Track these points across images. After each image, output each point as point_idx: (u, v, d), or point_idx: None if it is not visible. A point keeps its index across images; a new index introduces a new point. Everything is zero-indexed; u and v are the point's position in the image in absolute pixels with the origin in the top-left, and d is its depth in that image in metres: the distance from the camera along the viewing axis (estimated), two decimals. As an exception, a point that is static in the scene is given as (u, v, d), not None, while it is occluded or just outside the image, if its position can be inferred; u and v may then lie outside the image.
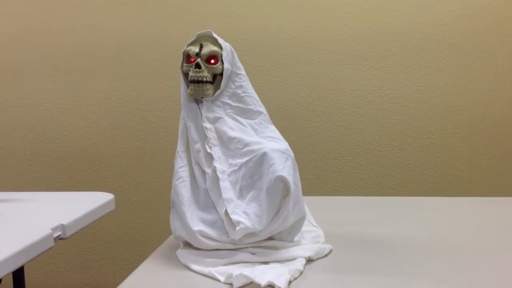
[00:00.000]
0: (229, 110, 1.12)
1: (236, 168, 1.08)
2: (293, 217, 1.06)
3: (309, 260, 1.08)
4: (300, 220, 1.10)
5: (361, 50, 2.06)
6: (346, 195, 2.07)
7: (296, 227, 1.11)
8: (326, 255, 1.12)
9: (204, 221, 1.08)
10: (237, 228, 1.02)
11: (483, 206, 1.55)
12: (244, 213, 1.03)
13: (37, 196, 1.53)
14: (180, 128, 1.16)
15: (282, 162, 1.04)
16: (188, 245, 1.12)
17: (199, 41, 1.12)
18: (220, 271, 1.00)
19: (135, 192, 2.18)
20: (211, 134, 1.11)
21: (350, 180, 2.10)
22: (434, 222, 1.38)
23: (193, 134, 1.12)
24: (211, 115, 1.11)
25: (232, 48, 1.14)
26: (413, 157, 2.08)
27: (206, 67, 1.10)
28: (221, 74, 1.11)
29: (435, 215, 1.45)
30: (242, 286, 0.95)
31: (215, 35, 1.13)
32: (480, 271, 1.03)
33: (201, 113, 1.12)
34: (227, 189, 1.07)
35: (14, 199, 1.47)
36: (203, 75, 1.09)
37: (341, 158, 2.10)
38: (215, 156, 1.09)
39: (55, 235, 1.17)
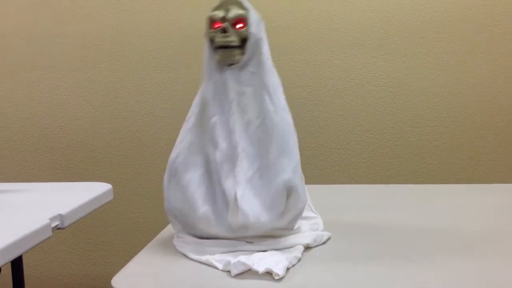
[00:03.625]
0: (254, 81, 1.05)
1: (250, 156, 1.03)
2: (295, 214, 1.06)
3: (308, 248, 1.08)
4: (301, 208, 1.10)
5: (359, 38, 2.06)
6: (345, 184, 2.07)
7: (296, 215, 1.10)
8: (324, 243, 1.12)
9: (209, 203, 1.05)
10: (239, 217, 1.00)
11: (483, 193, 1.55)
12: (249, 202, 1.00)
13: (35, 186, 1.54)
14: (196, 102, 1.10)
15: (294, 155, 1.04)
16: (183, 229, 1.11)
17: (224, 5, 1.06)
18: (218, 258, 1.00)
19: (134, 182, 2.18)
20: (234, 108, 1.05)
21: (349, 168, 2.10)
22: (433, 210, 1.38)
23: (214, 107, 1.06)
24: (237, 86, 1.05)
25: (259, 17, 1.08)
26: (412, 146, 2.08)
27: (233, 31, 1.03)
28: (248, 39, 1.05)
29: (435, 203, 1.45)
30: (240, 274, 0.95)
31: None
32: (480, 257, 1.03)
33: (226, 83, 1.05)
34: (240, 172, 1.02)
35: (12, 189, 1.47)
36: (230, 39, 1.03)
37: (340, 147, 2.10)
38: (237, 130, 1.04)
39: (53, 225, 1.18)
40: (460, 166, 2.07)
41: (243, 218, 1.00)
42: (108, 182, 1.53)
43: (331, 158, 2.10)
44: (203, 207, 1.05)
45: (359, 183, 2.08)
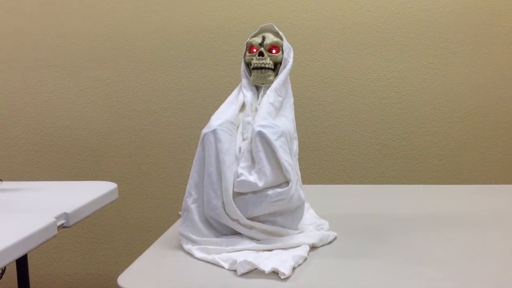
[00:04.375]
0: (279, 97, 1.18)
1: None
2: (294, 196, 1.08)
3: (313, 247, 1.08)
4: (300, 208, 1.11)
5: (364, 39, 2.05)
6: (350, 184, 2.07)
7: (297, 215, 1.11)
8: (330, 242, 1.12)
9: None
10: (238, 179, 1.05)
11: (487, 194, 1.55)
12: (250, 171, 1.08)
13: (41, 185, 1.54)
14: (232, 97, 1.20)
15: (276, 136, 1.08)
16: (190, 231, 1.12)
17: (262, 33, 1.19)
18: (224, 258, 1.00)
19: (138, 181, 2.18)
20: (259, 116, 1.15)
21: (353, 169, 2.10)
22: (437, 210, 1.38)
23: (248, 108, 1.17)
24: (266, 99, 1.16)
25: (290, 46, 1.22)
26: (416, 146, 2.08)
27: (268, 56, 1.17)
28: (280, 63, 1.18)
29: (439, 203, 1.45)
30: (246, 273, 0.95)
31: (276, 28, 1.20)
32: (484, 258, 1.03)
33: (257, 96, 1.19)
34: (249, 152, 1.10)
35: (18, 188, 1.48)
36: (265, 62, 1.16)
37: (344, 147, 2.10)
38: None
39: (59, 223, 1.18)
40: (465, 167, 2.07)
41: (241, 180, 1.06)
42: (113, 181, 1.54)
43: (336, 159, 2.10)
44: (234, 167, 1.09)
45: (363, 184, 2.08)
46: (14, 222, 1.15)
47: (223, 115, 1.15)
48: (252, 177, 1.06)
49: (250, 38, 1.20)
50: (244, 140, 1.13)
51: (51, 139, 2.20)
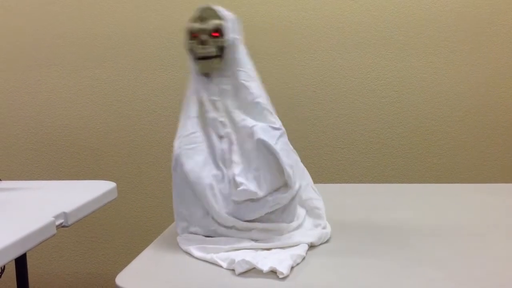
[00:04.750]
0: (235, 81, 1.11)
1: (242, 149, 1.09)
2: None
3: (312, 246, 1.08)
4: (293, 201, 1.10)
5: (363, 38, 2.05)
6: (349, 183, 2.07)
7: (290, 208, 1.10)
8: (328, 241, 1.12)
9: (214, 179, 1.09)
10: (239, 188, 1.03)
11: (486, 193, 1.54)
12: (246, 177, 1.04)
13: (39, 185, 1.54)
14: (190, 93, 1.15)
15: (275, 139, 1.06)
16: (188, 232, 1.12)
17: (201, 16, 1.11)
18: (222, 257, 1.00)
19: (138, 181, 2.18)
20: (221, 107, 1.11)
21: (353, 168, 2.10)
22: (436, 209, 1.38)
23: (207, 103, 1.12)
24: (217, 88, 1.11)
25: (234, 16, 1.13)
26: (416, 145, 2.08)
27: (211, 42, 1.08)
28: (227, 46, 1.10)
29: (438, 202, 1.45)
30: (245, 272, 0.95)
31: (215, 7, 1.10)
32: (483, 257, 1.03)
33: (210, 86, 1.12)
34: (236, 153, 1.07)
35: (16, 187, 1.48)
36: (209, 50, 1.08)
37: (344, 146, 2.10)
38: (227, 123, 1.10)
39: (57, 223, 1.18)
40: (465, 166, 2.07)
41: (242, 190, 1.03)
42: (112, 181, 1.54)
43: (335, 157, 2.10)
44: (208, 179, 1.08)
45: (363, 182, 2.08)
46: (13, 221, 1.15)
47: (182, 130, 1.13)
48: (252, 186, 1.03)
49: (189, 23, 1.10)
50: (221, 138, 1.10)
51: (51, 138, 2.20)
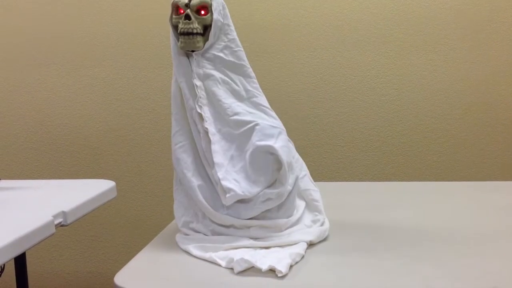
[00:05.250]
0: (219, 65, 1.09)
1: (228, 137, 1.07)
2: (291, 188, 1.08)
3: (311, 244, 1.08)
4: (289, 196, 1.10)
5: (363, 35, 2.05)
6: (349, 181, 2.07)
7: (288, 203, 1.10)
8: (326, 239, 1.12)
9: (206, 190, 1.08)
10: (228, 195, 1.02)
11: (486, 191, 1.54)
12: (234, 180, 1.03)
13: (39, 184, 1.54)
14: (173, 88, 1.13)
15: (275, 136, 1.04)
16: (188, 227, 1.12)
17: None
18: (221, 256, 1.00)
19: (137, 179, 2.18)
20: (201, 93, 1.08)
21: (353, 166, 2.10)
22: (436, 207, 1.38)
23: (185, 90, 1.09)
24: (201, 71, 1.08)
25: (224, 2, 1.11)
26: (416, 143, 2.07)
27: (196, 18, 1.06)
28: (211, 26, 1.07)
29: (438, 200, 1.45)
30: (243, 271, 0.95)
31: None
32: (482, 256, 1.03)
33: (191, 68, 1.09)
34: (218, 153, 1.05)
35: (16, 186, 1.47)
36: (193, 26, 1.05)
37: (344, 144, 2.10)
38: (204, 116, 1.07)
39: (56, 222, 1.18)
40: (465, 164, 2.07)
41: (231, 196, 1.02)
42: (111, 179, 1.53)
43: (335, 156, 2.10)
44: (198, 180, 1.08)
45: (363, 181, 2.08)
46: (12, 220, 1.15)
47: (175, 126, 1.12)
48: (242, 187, 1.02)
49: None
50: (200, 108, 1.06)
51: (50, 137, 2.20)
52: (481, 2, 1.99)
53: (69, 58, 2.16)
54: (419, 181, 2.02)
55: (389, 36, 2.04)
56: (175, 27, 1.08)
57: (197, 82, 1.08)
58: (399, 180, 2.06)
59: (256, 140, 1.04)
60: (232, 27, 1.11)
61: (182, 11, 1.07)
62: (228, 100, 1.08)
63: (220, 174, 1.03)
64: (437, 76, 2.05)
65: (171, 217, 1.29)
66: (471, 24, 2.01)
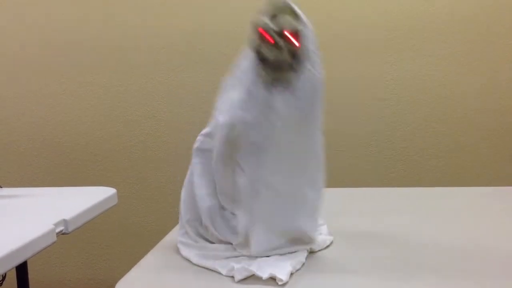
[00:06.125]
0: (299, 101, 0.96)
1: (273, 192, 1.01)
2: None
3: (311, 252, 1.08)
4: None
5: (363, 41, 2.05)
6: (349, 187, 2.07)
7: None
8: (327, 247, 1.12)
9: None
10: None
11: (487, 196, 1.54)
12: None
13: (40, 192, 1.54)
14: (224, 118, 0.98)
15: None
16: (191, 225, 1.12)
17: (275, 11, 0.92)
18: (222, 264, 1.00)
19: (138, 186, 2.18)
20: (277, 136, 0.96)
21: (353, 171, 2.10)
22: (437, 213, 1.38)
23: (252, 129, 0.95)
24: (285, 111, 0.94)
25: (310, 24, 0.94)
26: (416, 148, 2.08)
27: (285, 46, 0.90)
28: (300, 54, 0.93)
29: (438, 206, 1.45)
30: (244, 279, 0.95)
31: (293, 6, 0.92)
32: (484, 261, 1.03)
33: (272, 105, 0.93)
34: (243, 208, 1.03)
35: (17, 194, 1.48)
36: (283, 56, 0.90)
37: (344, 150, 2.10)
38: (268, 162, 0.98)
39: (58, 230, 1.18)
40: (465, 169, 2.07)
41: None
42: (112, 186, 1.54)
43: (335, 161, 2.10)
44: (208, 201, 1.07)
45: (363, 186, 2.08)
46: (13, 228, 1.15)
47: (207, 128, 1.07)
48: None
49: (260, 19, 0.91)
50: (243, 173, 0.97)
51: (51, 145, 2.20)
52: (481, 7, 2.00)
53: (68, 65, 2.16)
54: (419, 186, 2.02)
55: (388, 41, 2.05)
56: (257, 53, 0.93)
57: (276, 122, 0.94)
58: (399, 186, 2.06)
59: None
60: (319, 57, 0.98)
61: (268, 37, 0.91)
62: (297, 145, 1.01)
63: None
64: (437, 80, 2.05)
65: (172, 224, 1.29)
66: (470, 29, 2.02)
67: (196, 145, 1.10)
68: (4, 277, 1.54)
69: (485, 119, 2.05)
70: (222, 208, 1.08)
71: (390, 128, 2.08)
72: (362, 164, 2.10)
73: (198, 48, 2.11)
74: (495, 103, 2.04)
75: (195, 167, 1.10)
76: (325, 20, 2.05)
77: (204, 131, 1.10)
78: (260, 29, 0.90)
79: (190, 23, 2.10)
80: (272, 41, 0.89)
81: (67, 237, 1.93)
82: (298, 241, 1.04)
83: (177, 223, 1.22)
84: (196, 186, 1.08)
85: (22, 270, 1.48)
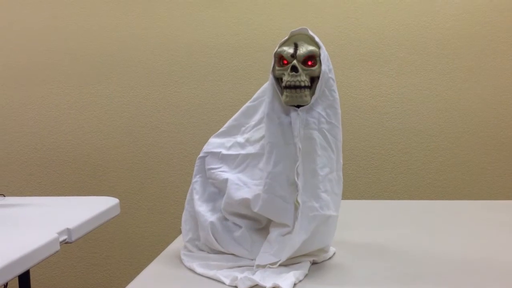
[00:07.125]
0: (323, 125, 0.99)
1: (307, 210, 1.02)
2: None
3: (314, 263, 1.08)
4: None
5: (364, 55, 2.07)
6: (350, 199, 2.07)
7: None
8: (330, 258, 1.12)
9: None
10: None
11: (488, 210, 1.55)
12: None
13: (43, 201, 1.54)
14: (260, 143, 1.05)
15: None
16: (193, 244, 1.13)
17: (293, 40, 0.98)
18: (225, 274, 1.00)
19: (140, 196, 2.18)
20: (300, 157, 0.98)
21: (354, 184, 2.11)
22: (438, 226, 1.38)
23: (279, 153, 0.99)
24: (303, 131, 0.97)
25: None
26: (417, 161, 2.08)
27: (303, 70, 0.96)
28: (318, 77, 0.98)
29: (440, 219, 1.45)
30: (247, 289, 0.96)
31: (311, 33, 0.99)
32: (485, 275, 1.03)
33: (292, 126, 0.98)
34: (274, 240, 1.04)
35: (20, 203, 1.48)
36: (300, 79, 0.95)
37: (345, 163, 2.08)
38: (299, 187, 0.99)
39: (61, 239, 1.18)
40: (465, 182, 2.07)
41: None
42: (114, 196, 1.54)
43: (337, 174, 2.10)
44: (210, 216, 1.10)
45: (364, 199, 2.08)
46: (17, 237, 1.15)
47: (219, 142, 1.11)
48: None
49: (280, 47, 0.98)
50: (297, 175, 0.98)
51: (54, 154, 2.21)
52: (482, 22, 2.02)
53: (72, 76, 2.18)
54: (420, 199, 2.02)
55: (391, 56, 2.06)
56: (278, 79, 0.99)
57: (300, 144, 0.97)
58: (400, 199, 2.06)
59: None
60: (335, 81, 1.02)
61: (287, 62, 0.97)
62: (323, 172, 1.01)
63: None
64: (438, 94, 2.06)
65: (174, 234, 1.30)
66: (472, 44, 2.03)
67: (197, 165, 1.14)
68: (5, 286, 1.54)
69: (486, 133, 2.06)
70: (225, 219, 1.08)
71: (391, 141, 2.09)
72: (364, 177, 2.10)
73: (201, 61, 2.12)
74: (496, 117, 2.05)
75: (195, 185, 1.13)
76: (328, 35, 2.06)
77: (207, 149, 1.14)
78: (279, 56, 0.98)
79: (193, 36, 2.11)
80: (288, 65, 0.96)
81: (69, 246, 1.93)
82: (309, 254, 1.06)
83: (179, 233, 1.22)
84: (197, 203, 1.11)
85: (24, 279, 1.48)
